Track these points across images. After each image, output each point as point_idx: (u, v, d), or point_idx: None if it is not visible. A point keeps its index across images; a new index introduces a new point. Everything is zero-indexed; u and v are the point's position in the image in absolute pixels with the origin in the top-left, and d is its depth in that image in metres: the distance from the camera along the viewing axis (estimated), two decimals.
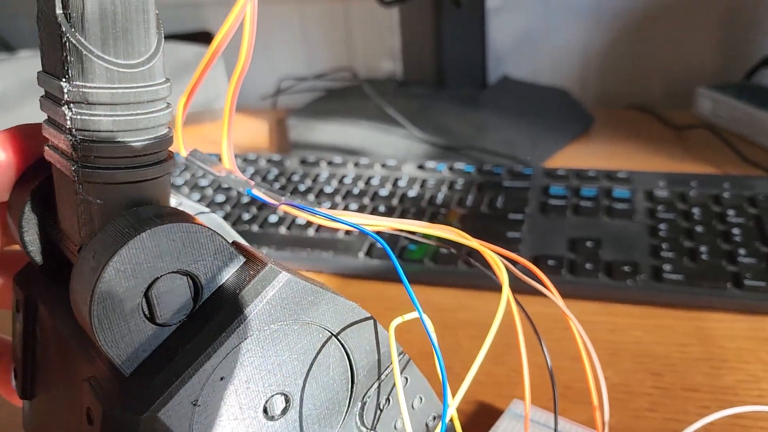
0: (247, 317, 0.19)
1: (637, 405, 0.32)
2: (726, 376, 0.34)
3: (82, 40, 0.17)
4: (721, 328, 0.37)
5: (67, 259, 0.21)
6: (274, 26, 0.88)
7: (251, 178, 0.56)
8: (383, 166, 0.56)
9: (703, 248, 0.42)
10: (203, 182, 0.56)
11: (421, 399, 0.24)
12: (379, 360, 0.22)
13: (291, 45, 0.89)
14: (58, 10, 0.17)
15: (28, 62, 0.72)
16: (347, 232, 0.46)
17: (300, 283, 0.19)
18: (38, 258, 0.22)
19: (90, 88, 0.18)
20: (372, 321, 0.22)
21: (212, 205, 0.52)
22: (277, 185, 0.55)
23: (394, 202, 0.51)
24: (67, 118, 0.18)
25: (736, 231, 0.43)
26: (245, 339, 0.19)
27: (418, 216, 0.48)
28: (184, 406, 0.18)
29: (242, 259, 0.20)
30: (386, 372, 0.23)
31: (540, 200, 0.49)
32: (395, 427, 0.24)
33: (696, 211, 0.46)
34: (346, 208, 0.50)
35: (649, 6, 0.76)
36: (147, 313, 0.18)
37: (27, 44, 0.86)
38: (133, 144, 0.19)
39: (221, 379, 0.19)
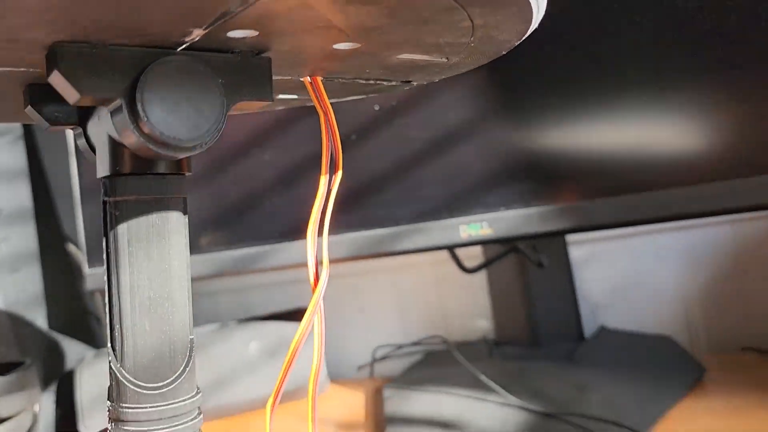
0: None
1: None
2: None
3: (122, 370, 0.23)
4: None
5: None
6: (369, 296, 0.92)
7: None
8: None
9: None
10: None
11: None
12: None
13: (385, 313, 0.92)
14: None
15: None
16: None
17: None
18: None
19: (124, 408, 0.23)
20: None
21: None
22: None
23: None
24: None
25: None
26: None
27: None
28: None
29: None
30: None
31: None
32: None
33: None
34: None
35: (742, 240, 0.74)
36: None
37: None
38: None
39: None
